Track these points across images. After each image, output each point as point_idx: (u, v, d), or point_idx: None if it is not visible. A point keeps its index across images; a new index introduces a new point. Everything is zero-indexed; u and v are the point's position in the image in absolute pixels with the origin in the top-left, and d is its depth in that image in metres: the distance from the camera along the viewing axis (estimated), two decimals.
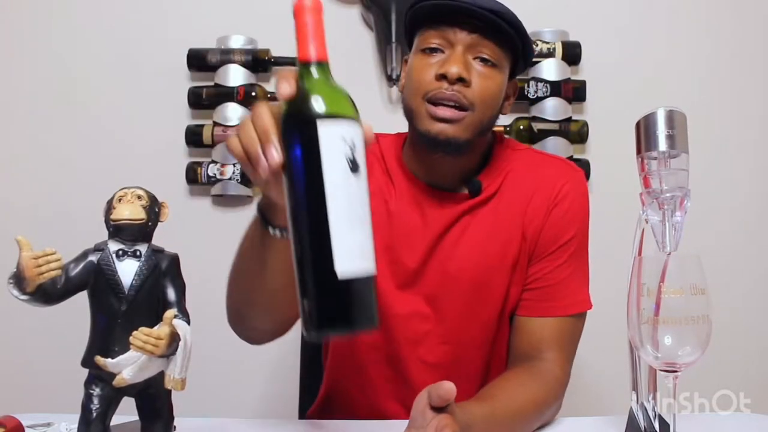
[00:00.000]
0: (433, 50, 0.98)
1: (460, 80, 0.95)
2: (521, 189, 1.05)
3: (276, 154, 0.59)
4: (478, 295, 1.03)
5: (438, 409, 0.72)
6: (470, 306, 1.04)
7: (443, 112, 0.95)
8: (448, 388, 0.71)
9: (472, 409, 0.80)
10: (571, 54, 1.82)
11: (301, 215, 0.57)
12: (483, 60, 0.97)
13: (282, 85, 0.60)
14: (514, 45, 0.98)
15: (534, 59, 1.79)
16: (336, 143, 0.55)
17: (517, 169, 1.06)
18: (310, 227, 0.56)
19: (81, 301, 0.73)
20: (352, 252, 0.55)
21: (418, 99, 0.97)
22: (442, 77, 0.95)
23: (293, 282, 0.59)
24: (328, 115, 0.56)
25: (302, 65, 0.59)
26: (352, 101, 0.59)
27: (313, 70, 0.59)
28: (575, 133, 1.81)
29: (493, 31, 0.96)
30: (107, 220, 0.73)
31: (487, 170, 1.05)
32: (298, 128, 0.57)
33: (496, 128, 1.77)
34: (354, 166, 0.56)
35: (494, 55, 0.97)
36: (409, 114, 1.00)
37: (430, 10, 0.98)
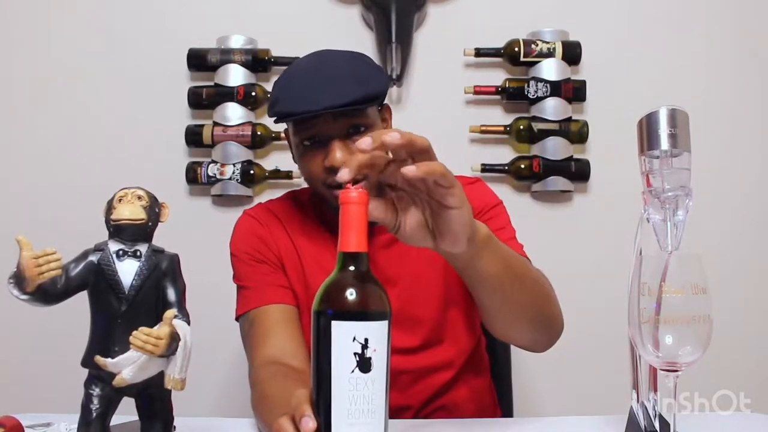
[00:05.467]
0: (312, 142, 1.01)
1: None
2: None
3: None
4: (444, 290, 1.08)
5: None
6: (443, 303, 1.08)
7: None
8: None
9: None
10: (571, 54, 1.82)
11: (316, 400, 0.61)
12: (358, 130, 0.99)
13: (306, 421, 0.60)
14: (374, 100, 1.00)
15: (534, 59, 1.79)
16: (346, 341, 0.59)
17: None
18: (320, 413, 0.60)
19: (81, 301, 0.73)
20: None
21: (319, 186, 1.03)
22: (330, 170, 0.98)
23: None
24: (344, 313, 0.60)
25: (341, 254, 0.63)
26: (382, 297, 0.62)
27: (348, 262, 0.62)
28: (575, 133, 1.81)
29: (351, 110, 0.97)
30: (107, 220, 0.73)
31: None
32: (317, 321, 0.61)
33: (495, 128, 1.82)
34: (363, 365, 0.59)
35: (365, 119, 1.00)
36: (316, 192, 1.06)
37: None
